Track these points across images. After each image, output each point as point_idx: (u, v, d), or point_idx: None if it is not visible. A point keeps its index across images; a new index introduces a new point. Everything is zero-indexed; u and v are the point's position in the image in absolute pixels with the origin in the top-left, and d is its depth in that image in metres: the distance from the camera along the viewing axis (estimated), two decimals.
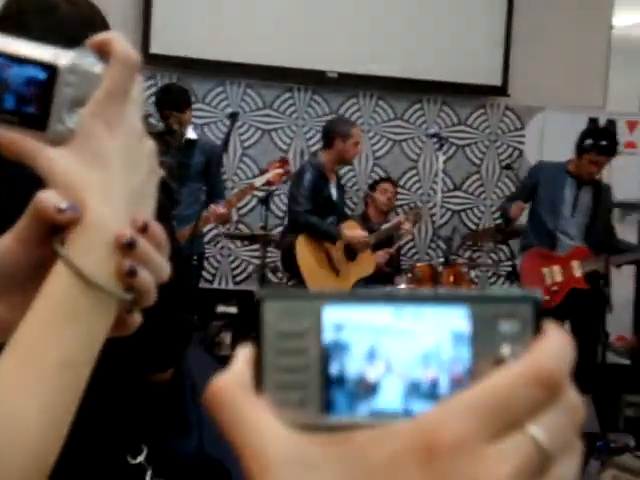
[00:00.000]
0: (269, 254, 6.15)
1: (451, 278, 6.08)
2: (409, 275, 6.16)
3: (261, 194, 6.39)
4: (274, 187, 6.24)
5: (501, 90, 7.18)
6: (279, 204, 6.98)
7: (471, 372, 0.42)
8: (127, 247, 0.66)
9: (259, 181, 5.73)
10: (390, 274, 6.26)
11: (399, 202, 7.00)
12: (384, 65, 6.98)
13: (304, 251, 5.70)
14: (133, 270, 0.67)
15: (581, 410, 0.43)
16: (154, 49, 6.67)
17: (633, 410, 6.36)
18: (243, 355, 0.44)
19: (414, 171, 7.28)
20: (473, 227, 7.29)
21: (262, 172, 6.14)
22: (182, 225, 5.02)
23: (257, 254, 6.41)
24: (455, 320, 0.43)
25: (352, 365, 0.43)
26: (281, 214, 7.04)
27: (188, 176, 5.33)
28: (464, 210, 7.34)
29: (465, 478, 0.39)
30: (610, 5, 7.33)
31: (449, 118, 7.27)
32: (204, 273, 6.64)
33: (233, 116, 5.67)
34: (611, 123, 7.05)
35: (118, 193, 0.68)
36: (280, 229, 7.02)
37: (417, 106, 7.24)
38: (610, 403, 5.91)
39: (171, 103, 5.40)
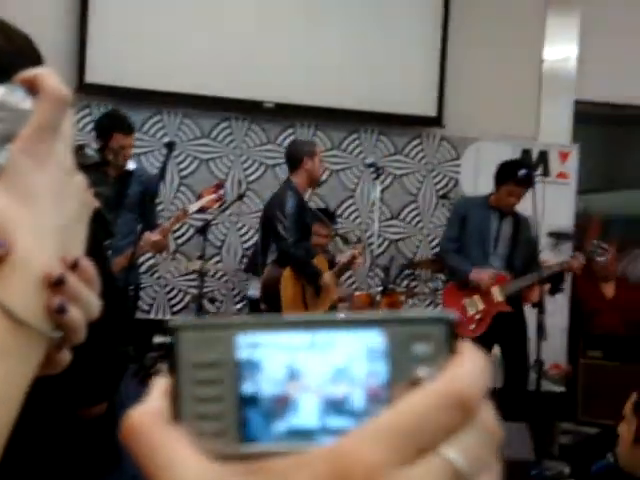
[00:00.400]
0: (206, 283, 6.12)
1: (389, 307, 6.12)
2: (348, 304, 6.18)
3: (199, 223, 6.36)
4: (210, 215, 6.23)
5: (436, 121, 7.28)
6: (217, 233, 6.96)
7: (387, 390, 0.43)
8: (56, 284, 0.66)
9: (193, 207, 5.71)
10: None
11: (339, 231, 7.02)
12: (321, 95, 7.03)
13: (288, 286, 5.65)
14: (62, 308, 0.66)
15: (497, 431, 0.43)
16: (89, 78, 6.62)
17: (568, 438, 6.44)
18: (159, 387, 0.44)
19: (351, 200, 7.32)
20: (410, 256, 7.35)
21: (197, 197, 6.14)
22: (118, 255, 4.97)
23: (195, 284, 6.37)
24: (370, 342, 0.43)
25: (267, 385, 0.43)
26: (219, 243, 7.02)
27: (124, 206, 5.28)
28: (401, 239, 7.40)
29: None
30: (540, 39, 7.49)
31: (386, 148, 7.34)
32: (141, 303, 6.57)
33: (170, 145, 5.64)
34: (543, 154, 7.18)
35: (48, 229, 0.67)
36: (217, 259, 7.00)
37: (354, 136, 7.29)
38: (545, 431, 5.97)
39: (118, 126, 5.36)
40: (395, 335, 0.43)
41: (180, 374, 0.43)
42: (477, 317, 5.88)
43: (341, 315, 0.44)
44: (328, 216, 6.77)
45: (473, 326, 5.90)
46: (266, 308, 5.64)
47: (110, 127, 5.36)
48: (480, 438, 0.42)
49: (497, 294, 5.85)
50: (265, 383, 0.43)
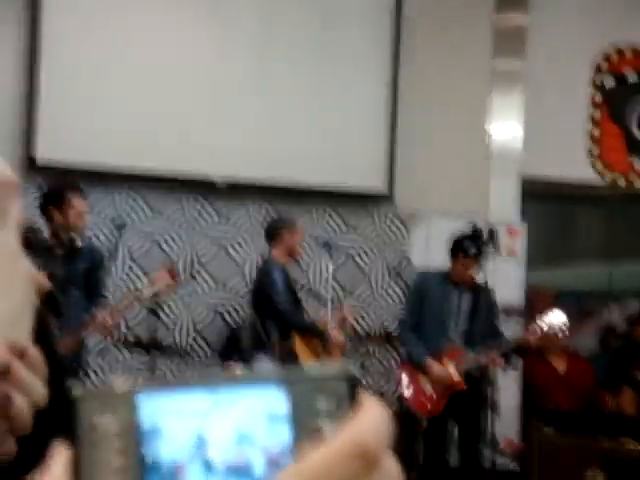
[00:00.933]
0: (159, 364, 6.04)
1: None
2: None
3: (150, 304, 6.30)
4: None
5: (387, 198, 7.35)
6: (169, 313, 6.90)
7: (291, 451, 0.43)
8: (1, 372, 0.65)
9: (147, 292, 5.62)
10: None
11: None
12: (272, 174, 7.07)
13: (302, 350, 5.79)
14: (7, 396, 0.65)
15: (399, 478, 0.44)
16: (39, 159, 6.61)
17: None
18: (59, 458, 0.43)
19: (305, 280, 7.32)
20: (363, 333, 7.33)
21: (151, 282, 6.06)
22: (66, 335, 4.90)
23: (145, 365, 6.28)
24: (272, 400, 0.43)
25: (168, 452, 0.43)
26: (171, 324, 6.95)
27: (72, 284, 5.22)
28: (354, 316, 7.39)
29: None
30: (487, 117, 7.64)
31: (337, 226, 7.38)
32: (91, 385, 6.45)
33: (120, 226, 5.61)
34: (492, 230, 7.27)
35: None
36: (170, 339, 6.92)
37: (307, 215, 7.33)
38: None
39: (73, 188, 5.31)
40: (297, 393, 0.43)
41: (81, 444, 0.43)
42: (434, 396, 5.87)
43: (243, 373, 0.45)
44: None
45: (430, 406, 5.88)
46: None
47: (65, 190, 5.27)
48: None
49: (454, 373, 5.86)
50: (166, 450, 0.43)
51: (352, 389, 0.44)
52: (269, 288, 5.82)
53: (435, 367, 5.85)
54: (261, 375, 0.44)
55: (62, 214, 5.20)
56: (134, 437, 0.43)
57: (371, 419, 0.43)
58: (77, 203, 5.25)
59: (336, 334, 5.96)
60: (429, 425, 5.94)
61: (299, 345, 5.74)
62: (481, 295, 5.95)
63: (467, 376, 5.89)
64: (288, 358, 5.68)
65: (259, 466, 0.43)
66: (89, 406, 0.43)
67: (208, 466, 0.43)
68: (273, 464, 0.43)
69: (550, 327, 6.02)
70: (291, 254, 6.21)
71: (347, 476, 0.41)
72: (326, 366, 0.45)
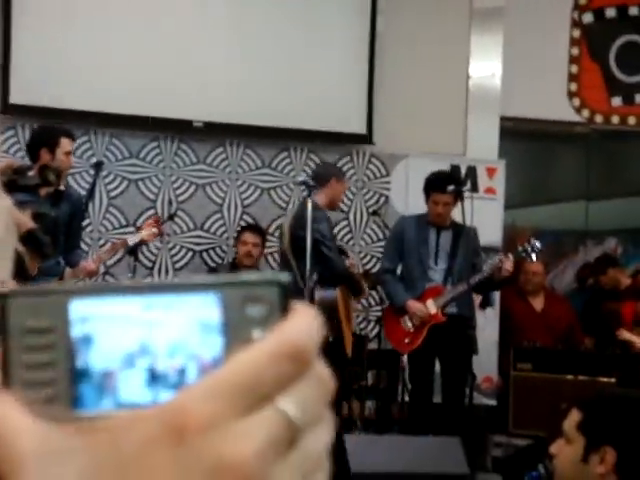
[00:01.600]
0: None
1: None
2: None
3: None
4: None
5: (366, 138, 7.33)
6: (147, 254, 6.90)
7: (223, 360, 0.43)
8: None
9: (132, 239, 5.70)
10: None
11: (269, 250, 7.02)
12: (250, 114, 7.02)
13: (341, 305, 5.72)
14: None
15: (330, 382, 0.45)
16: (14, 99, 6.53)
17: (500, 450, 6.51)
18: None
19: (283, 219, 7.31)
20: None
21: (137, 229, 6.09)
22: (46, 278, 4.89)
23: None
24: (204, 309, 0.43)
25: (99, 358, 0.43)
26: (149, 264, 6.95)
27: (54, 227, 5.20)
28: None
29: (210, 456, 0.39)
30: (466, 56, 7.61)
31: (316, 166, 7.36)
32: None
33: (98, 165, 5.60)
34: (471, 169, 7.29)
35: None
36: (148, 279, 6.92)
37: (284, 154, 7.30)
38: (477, 444, 6.03)
39: (64, 131, 5.35)
40: (229, 299, 0.43)
41: (10, 341, 0.43)
42: (411, 330, 5.93)
43: (176, 280, 0.45)
44: (259, 231, 6.85)
45: (407, 340, 5.94)
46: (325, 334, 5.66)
47: (56, 134, 5.32)
48: (314, 390, 0.43)
49: (431, 306, 5.91)
50: (97, 357, 0.43)
51: (284, 296, 0.43)
52: (317, 233, 5.45)
53: (412, 304, 5.91)
54: (194, 281, 0.44)
55: (51, 154, 5.24)
56: (64, 337, 0.43)
57: (302, 322, 0.43)
58: (65, 143, 5.28)
59: (365, 289, 6.03)
60: (413, 363, 6.00)
61: (340, 300, 5.69)
62: (462, 234, 5.98)
63: (452, 316, 5.94)
64: (327, 309, 5.43)
65: (192, 375, 0.43)
66: (18, 303, 0.43)
67: (140, 373, 0.43)
68: (206, 372, 0.43)
69: (529, 250, 6.07)
70: (333, 204, 6.08)
71: (277, 376, 0.41)
72: (258, 273, 0.45)
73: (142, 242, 5.78)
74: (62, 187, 5.42)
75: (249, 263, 6.64)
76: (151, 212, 6.90)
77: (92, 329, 0.43)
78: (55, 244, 4.71)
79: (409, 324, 5.95)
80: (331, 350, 5.19)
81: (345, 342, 5.70)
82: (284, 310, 0.43)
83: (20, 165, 4.49)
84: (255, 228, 6.93)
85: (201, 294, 0.43)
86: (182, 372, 0.43)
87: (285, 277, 0.44)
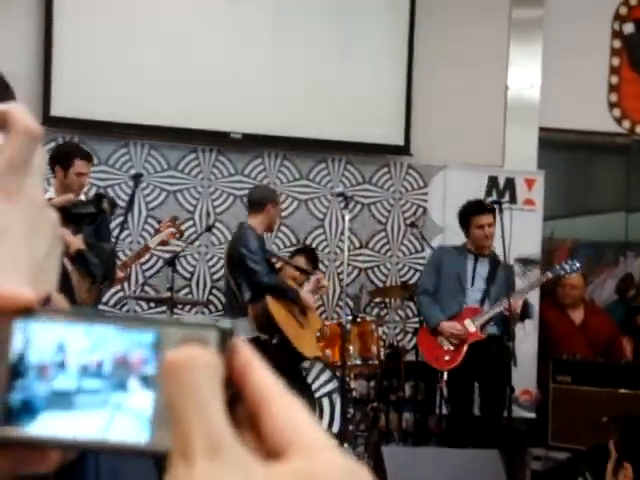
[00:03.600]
0: (176, 316, 6.08)
1: (359, 336, 6.14)
2: (317, 334, 6.18)
3: (167, 255, 6.35)
4: (179, 247, 6.23)
5: (403, 149, 7.32)
6: (185, 265, 6.94)
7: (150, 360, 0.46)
8: (24, 311, 0.65)
9: (153, 242, 5.82)
10: None
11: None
12: (288, 125, 7.05)
13: (277, 310, 5.81)
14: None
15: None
16: (55, 111, 6.61)
17: (539, 464, 6.45)
18: None
19: (320, 230, 7.33)
20: (380, 284, 7.35)
21: (155, 231, 6.18)
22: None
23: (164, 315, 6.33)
24: (139, 334, 0.47)
25: (36, 355, 0.48)
26: (187, 275, 6.99)
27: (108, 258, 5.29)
28: (371, 268, 7.41)
29: None
30: (505, 67, 7.58)
31: (353, 177, 7.37)
32: None
33: (137, 177, 5.64)
34: (510, 181, 7.25)
35: (19, 266, 0.67)
36: (186, 291, 6.97)
37: (322, 165, 7.32)
38: (516, 457, 5.98)
39: (79, 152, 5.47)
40: (168, 336, 0.46)
41: None
42: (451, 348, 5.91)
43: (122, 314, 0.48)
44: (312, 255, 6.84)
45: (448, 357, 5.92)
46: (268, 338, 5.74)
47: (71, 154, 5.41)
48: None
49: (470, 325, 5.91)
50: (34, 353, 0.48)
51: (223, 340, 0.46)
52: (243, 250, 5.84)
53: (446, 325, 5.92)
54: (137, 318, 0.47)
55: (64, 172, 5.34)
56: (7, 345, 0.48)
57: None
58: (79, 165, 5.37)
59: (308, 297, 5.96)
60: (453, 380, 5.98)
61: (272, 304, 5.78)
62: (499, 263, 6.01)
63: (491, 336, 5.93)
64: (262, 317, 5.76)
65: (108, 366, 0.47)
66: None
67: (68, 367, 0.48)
68: (120, 364, 0.47)
69: (567, 269, 6.04)
70: (269, 228, 6.27)
71: None
72: (201, 317, 0.47)
73: (162, 243, 5.92)
74: (82, 198, 5.50)
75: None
76: (189, 224, 6.95)
77: (31, 335, 0.48)
78: (111, 275, 4.78)
79: (447, 344, 5.96)
80: (279, 349, 5.68)
81: (295, 342, 5.82)
82: (221, 354, 0.45)
83: (78, 199, 4.56)
84: (309, 252, 6.93)
85: (143, 330, 0.47)
86: (100, 364, 0.47)
87: (227, 323, 0.46)
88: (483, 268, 6.09)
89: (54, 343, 0.48)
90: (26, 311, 0.57)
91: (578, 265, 6.07)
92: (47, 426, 0.47)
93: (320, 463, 0.42)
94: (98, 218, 4.31)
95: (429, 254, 6.71)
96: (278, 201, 6.37)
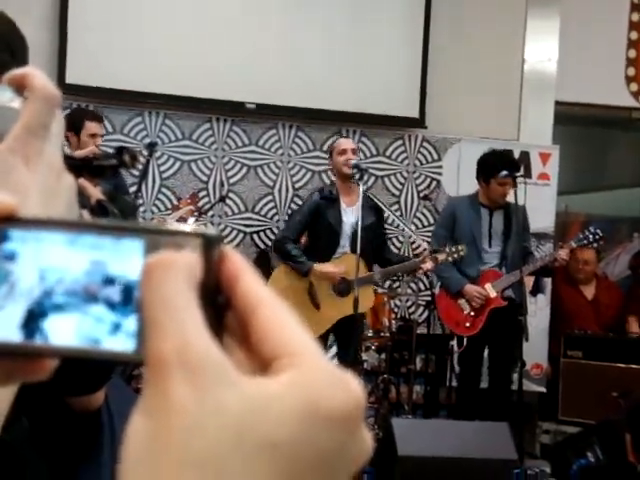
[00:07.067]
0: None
1: (372, 308, 6.14)
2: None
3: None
4: (192, 217, 6.24)
5: (418, 122, 7.30)
6: None
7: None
8: None
9: (172, 218, 5.78)
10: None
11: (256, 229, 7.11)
12: (302, 96, 7.03)
13: (282, 278, 5.65)
14: None
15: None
16: (70, 79, 6.60)
17: (549, 437, 6.47)
18: None
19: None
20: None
21: (173, 208, 6.16)
22: None
23: None
24: (124, 251, 0.46)
25: (21, 265, 0.48)
26: None
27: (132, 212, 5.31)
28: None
29: None
30: (522, 39, 7.53)
31: (368, 149, 7.35)
32: None
33: (151, 146, 5.64)
34: (524, 155, 7.22)
35: None
36: None
37: (336, 137, 7.30)
38: (526, 430, 6.00)
39: (89, 115, 5.47)
40: (153, 244, 0.46)
41: None
42: (472, 314, 5.88)
43: (103, 222, 0.47)
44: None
45: (468, 324, 5.90)
46: None
47: (80, 117, 5.41)
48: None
49: (490, 290, 5.86)
50: (20, 263, 0.47)
51: (207, 248, 0.45)
52: (293, 210, 5.75)
53: (471, 288, 5.85)
54: (119, 225, 0.47)
55: (76, 137, 5.34)
56: None
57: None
58: (91, 127, 5.36)
59: (324, 267, 5.64)
60: (466, 347, 5.96)
61: (280, 272, 5.66)
62: (512, 214, 5.90)
63: (509, 301, 5.90)
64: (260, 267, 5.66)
65: (93, 274, 0.47)
66: None
67: (48, 276, 0.47)
68: (106, 273, 0.46)
69: (590, 239, 5.96)
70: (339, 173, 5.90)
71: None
72: (193, 226, 0.47)
73: (181, 219, 5.87)
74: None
75: None
76: (203, 194, 6.96)
77: (15, 247, 0.48)
78: None
79: (468, 308, 5.89)
80: None
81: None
82: (206, 262, 0.44)
83: (100, 152, 4.58)
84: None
85: (125, 237, 0.46)
86: (84, 274, 0.47)
87: (213, 231, 0.46)
88: (498, 223, 6.00)
89: (37, 251, 0.47)
90: (7, 219, 0.58)
91: (600, 234, 5.98)
92: (37, 335, 0.47)
93: (306, 371, 0.41)
94: (120, 171, 4.34)
95: (442, 208, 6.62)
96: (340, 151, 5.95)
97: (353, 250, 5.53)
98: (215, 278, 0.45)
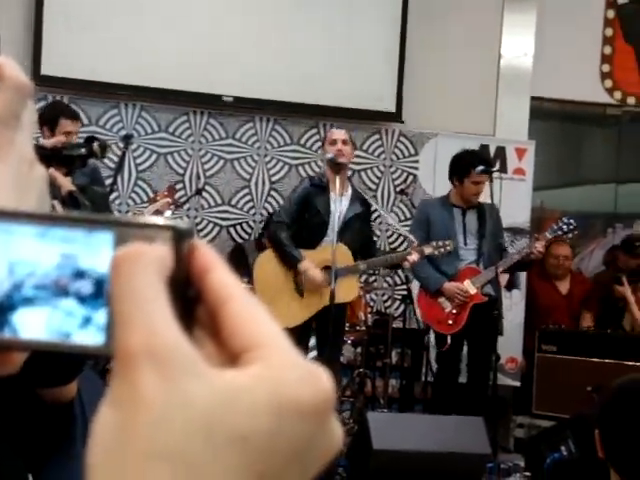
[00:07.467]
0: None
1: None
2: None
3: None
4: (169, 210, 6.21)
5: (395, 116, 7.31)
6: None
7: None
8: None
9: (148, 210, 5.76)
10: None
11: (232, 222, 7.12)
12: (280, 89, 7.02)
13: (269, 262, 5.61)
14: None
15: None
16: (46, 70, 6.55)
17: (523, 431, 6.51)
18: None
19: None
20: None
21: (150, 200, 6.13)
22: None
23: None
24: (94, 244, 0.46)
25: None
26: None
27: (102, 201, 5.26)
28: None
29: None
30: (499, 35, 7.55)
31: None
32: None
33: (127, 138, 5.61)
34: (500, 150, 7.24)
35: None
36: None
37: (313, 131, 7.30)
38: (500, 424, 6.03)
39: (65, 112, 5.39)
40: (123, 236, 0.45)
41: None
42: (454, 311, 5.88)
43: (73, 214, 0.47)
44: None
45: (451, 321, 5.89)
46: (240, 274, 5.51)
47: (56, 114, 5.36)
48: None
49: (470, 286, 5.86)
50: None
51: (177, 241, 0.45)
52: (287, 196, 5.68)
53: (450, 286, 5.84)
54: (90, 217, 0.46)
55: (51, 132, 5.30)
56: None
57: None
58: (65, 124, 5.32)
59: (314, 273, 5.49)
60: (442, 344, 5.94)
61: (264, 257, 5.63)
62: (486, 213, 5.92)
63: (488, 297, 5.90)
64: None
65: (63, 268, 0.46)
66: None
67: (18, 269, 0.46)
68: (77, 266, 0.46)
69: (564, 229, 5.97)
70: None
71: None
72: (164, 219, 0.46)
73: (157, 212, 5.83)
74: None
75: None
76: (179, 186, 6.93)
77: None
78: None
79: (449, 306, 5.87)
80: None
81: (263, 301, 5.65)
82: (177, 255, 0.44)
83: (68, 141, 4.53)
84: None
85: (95, 230, 0.46)
86: (55, 267, 0.46)
87: (184, 224, 0.45)
88: (472, 222, 6.00)
89: (6, 244, 0.47)
90: None
91: (574, 224, 6.00)
92: (6, 328, 0.46)
93: (274, 364, 0.41)
94: (89, 161, 4.32)
95: (415, 212, 6.63)
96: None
97: (340, 240, 5.52)
98: (185, 271, 0.44)
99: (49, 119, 5.33)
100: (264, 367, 0.41)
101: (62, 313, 0.46)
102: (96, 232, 0.46)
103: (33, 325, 0.46)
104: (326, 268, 5.47)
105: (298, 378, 0.41)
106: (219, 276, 0.44)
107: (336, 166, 5.53)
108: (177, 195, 6.63)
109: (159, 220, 0.46)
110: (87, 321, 0.46)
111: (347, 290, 5.55)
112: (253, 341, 0.42)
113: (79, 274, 0.46)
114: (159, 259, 0.43)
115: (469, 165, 5.82)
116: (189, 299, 0.44)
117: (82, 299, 0.46)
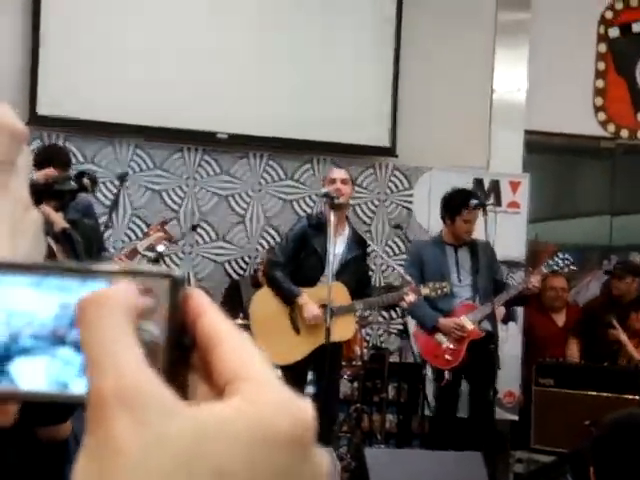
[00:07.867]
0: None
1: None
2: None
3: (152, 254, 6.32)
4: (164, 246, 6.20)
5: (389, 151, 7.33)
6: (170, 265, 6.91)
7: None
8: None
9: (141, 245, 5.75)
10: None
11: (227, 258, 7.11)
12: (274, 126, 7.05)
13: (265, 299, 5.59)
14: None
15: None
16: (41, 110, 6.58)
17: (522, 466, 6.46)
18: None
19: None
20: None
21: (144, 235, 6.12)
22: None
23: None
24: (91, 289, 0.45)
25: None
26: None
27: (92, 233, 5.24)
28: None
29: None
30: (491, 69, 7.60)
31: None
32: None
33: (122, 176, 5.62)
34: (495, 183, 7.26)
35: None
36: None
37: (307, 166, 7.32)
38: (499, 459, 5.99)
39: (55, 160, 5.36)
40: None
41: None
42: (451, 346, 5.85)
43: (70, 264, 0.46)
44: None
45: (448, 356, 5.86)
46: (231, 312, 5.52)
47: (46, 160, 5.34)
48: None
49: (467, 322, 5.85)
50: None
51: (175, 290, 0.44)
52: (289, 230, 5.70)
53: (446, 322, 5.82)
54: (87, 268, 0.46)
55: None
56: None
57: None
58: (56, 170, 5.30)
59: (310, 308, 5.48)
60: (441, 380, 5.90)
61: (261, 296, 5.62)
62: (479, 250, 5.93)
63: (486, 332, 5.88)
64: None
65: (58, 319, 0.45)
66: None
67: (13, 320, 0.46)
68: (71, 317, 0.45)
69: (561, 265, 5.98)
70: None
71: None
72: (154, 266, 0.46)
73: (151, 246, 5.82)
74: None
75: None
76: (174, 223, 6.93)
77: None
78: (90, 251, 4.73)
79: (445, 341, 5.84)
80: None
81: (259, 340, 5.60)
82: (174, 304, 0.44)
83: (59, 175, 4.52)
84: None
85: (93, 280, 0.45)
86: (50, 318, 0.45)
87: (179, 272, 0.45)
88: (465, 259, 6.01)
89: (2, 295, 0.46)
90: None
91: (570, 259, 6.01)
92: (3, 379, 0.46)
93: (254, 395, 0.41)
94: (79, 195, 4.31)
95: (407, 252, 6.63)
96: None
97: (337, 279, 5.50)
98: (182, 319, 0.44)
99: (39, 162, 5.31)
100: (244, 398, 0.41)
101: (60, 362, 0.46)
102: (92, 281, 0.45)
103: (30, 375, 0.46)
104: (323, 306, 5.46)
105: (277, 408, 0.41)
106: (210, 320, 0.44)
107: (334, 204, 5.52)
108: (171, 230, 6.62)
109: (155, 268, 0.45)
110: (76, 370, 0.45)
111: (343, 329, 5.52)
112: (236, 374, 0.42)
113: (73, 326, 0.45)
114: (125, 299, 0.43)
115: (460, 204, 5.85)
116: (185, 347, 0.44)
117: (79, 348, 0.45)
